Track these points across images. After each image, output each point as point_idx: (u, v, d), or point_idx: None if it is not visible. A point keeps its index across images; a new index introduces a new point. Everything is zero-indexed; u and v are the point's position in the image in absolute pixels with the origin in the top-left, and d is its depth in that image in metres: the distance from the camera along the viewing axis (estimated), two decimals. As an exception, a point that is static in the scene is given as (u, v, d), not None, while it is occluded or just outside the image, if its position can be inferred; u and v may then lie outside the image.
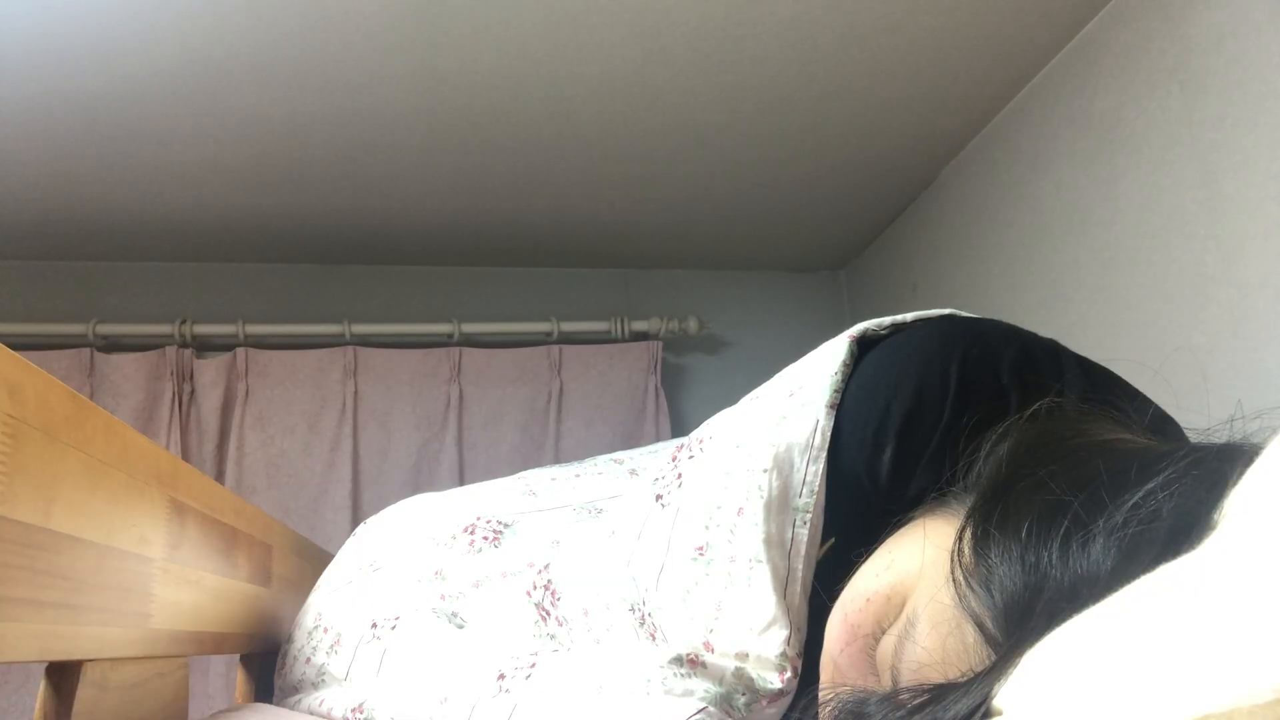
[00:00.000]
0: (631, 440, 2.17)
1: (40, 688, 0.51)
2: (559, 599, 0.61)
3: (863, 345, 0.54)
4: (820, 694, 0.44)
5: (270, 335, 2.10)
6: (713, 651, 0.50)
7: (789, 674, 0.48)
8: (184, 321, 2.06)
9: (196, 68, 1.48)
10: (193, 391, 2.05)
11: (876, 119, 1.73)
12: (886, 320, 0.54)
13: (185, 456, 2.01)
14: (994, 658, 0.35)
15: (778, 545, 0.49)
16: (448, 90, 1.57)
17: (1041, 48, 1.53)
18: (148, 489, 0.58)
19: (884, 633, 0.43)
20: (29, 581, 0.43)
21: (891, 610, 0.43)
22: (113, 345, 2.07)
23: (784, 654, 0.48)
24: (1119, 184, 1.42)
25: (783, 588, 0.49)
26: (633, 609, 0.55)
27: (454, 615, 0.69)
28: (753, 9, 1.40)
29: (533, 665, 0.57)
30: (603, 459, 0.87)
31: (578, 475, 0.82)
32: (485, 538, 0.75)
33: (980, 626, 0.37)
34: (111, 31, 1.38)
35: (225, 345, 2.10)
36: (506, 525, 0.76)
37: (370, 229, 2.08)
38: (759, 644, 0.48)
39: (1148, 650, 0.22)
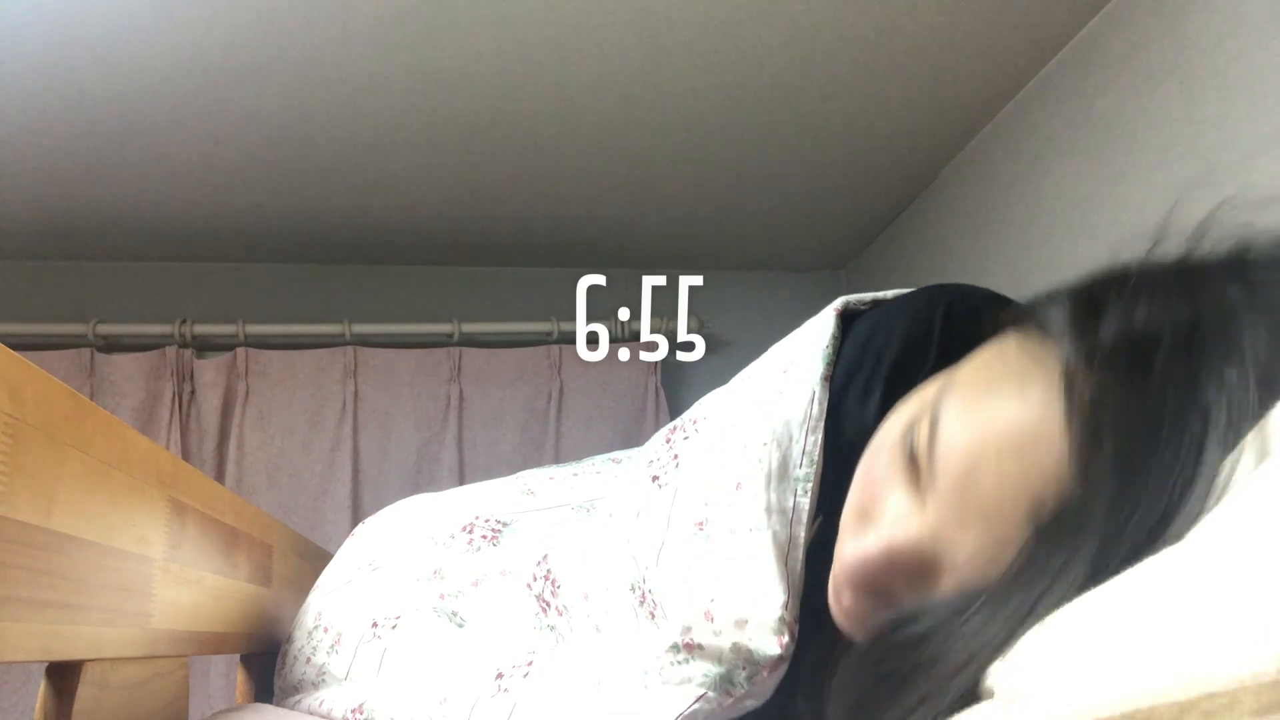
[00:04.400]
0: (631, 440, 2.17)
1: (40, 687, 0.51)
2: (559, 587, 0.62)
3: (845, 319, 0.55)
4: (843, 520, 0.44)
5: (270, 335, 2.10)
6: (712, 621, 0.50)
7: (786, 638, 0.48)
8: (184, 321, 2.06)
9: (196, 67, 1.48)
10: (193, 391, 2.05)
11: (877, 119, 1.73)
12: (868, 296, 0.56)
13: (185, 456, 2.01)
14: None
15: (779, 513, 0.50)
16: (448, 90, 1.57)
17: (1041, 48, 1.53)
18: (148, 489, 0.58)
19: (913, 430, 0.42)
20: (29, 581, 0.43)
21: (923, 410, 0.42)
22: (113, 345, 2.07)
23: (782, 618, 0.48)
24: (1119, 183, 1.42)
25: (783, 555, 0.49)
26: (633, 588, 0.55)
27: (454, 614, 0.69)
28: (752, 9, 1.40)
29: (530, 664, 0.57)
30: (600, 458, 0.87)
31: (575, 475, 0.83)
32: (484, 536, 0.75)
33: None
34: (111, 31, 1.38)
35: (225, 345, 2.10)
36: (505, 524, 0.76)
37: (370, 229, 2.08)
38: (759, 609, 0.48)
39: (1150, 627, 0.21)
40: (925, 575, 0.40)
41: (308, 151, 1.74)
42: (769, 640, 0.48)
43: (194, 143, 1.69)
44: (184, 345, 2.06)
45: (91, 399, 1.89)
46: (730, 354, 2.37)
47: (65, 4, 1.32)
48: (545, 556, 0.65)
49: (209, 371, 2.06)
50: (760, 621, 0.48)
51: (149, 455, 0.58)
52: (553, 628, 0.61)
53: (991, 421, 0.38)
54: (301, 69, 1.49)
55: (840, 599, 0.44)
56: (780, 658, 0.48)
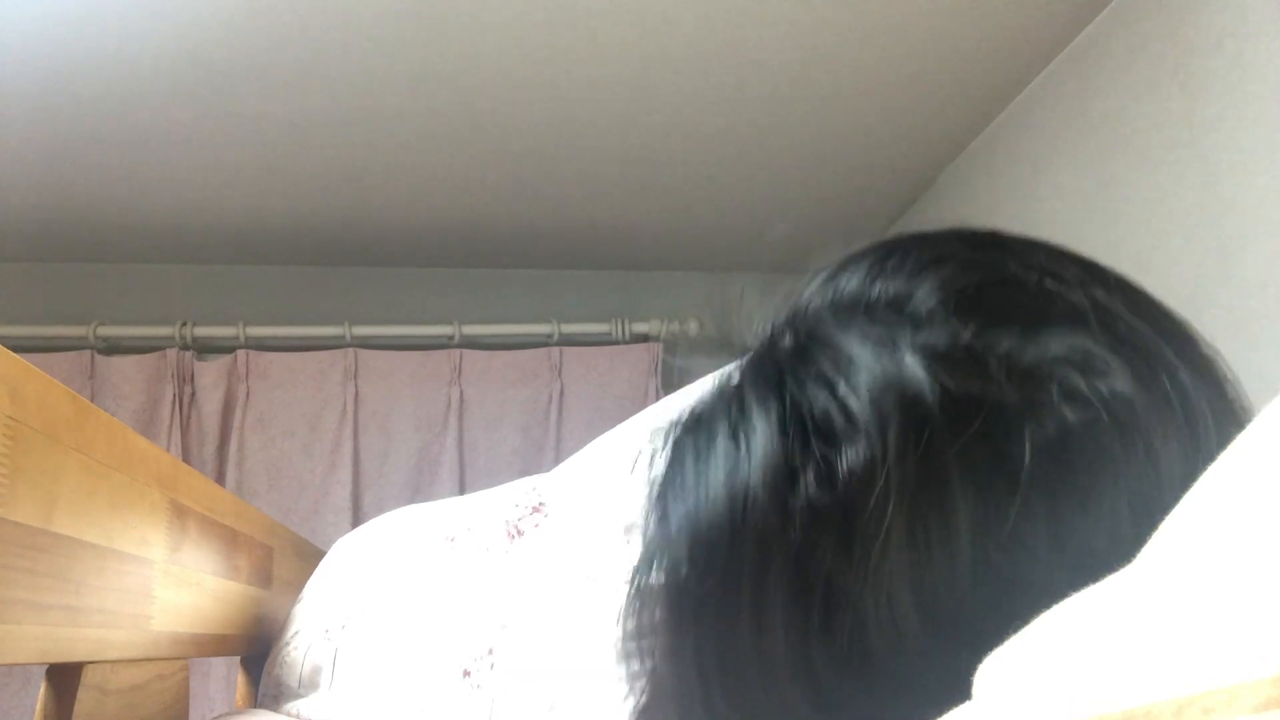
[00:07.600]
0: (632, 442, 2.16)
1: (41, 690, 0.51)
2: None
3: None
4: None
5: (271, 337, 2.10)
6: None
7: None
8: (184, 324, 2.06)
9: (197, 69, 1.48)
10: (193, 394, 2.05)
11: (876, 121, 1.73)
12: None
13: (186, 459, 2.01)
14: None
15: None
16: (448, 91, 1.57)
17: (1041, 49, 1.53)
18: (148, 491, 0.58)
19: None
20: (30, 584, 0.43)
21: None
22: (113, 348, 2.07)
23: None
24: (1119, 185, 1.42)
25: None
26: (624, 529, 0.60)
27: (428, 612, 0.69)
28: (753, 10, 1.40)
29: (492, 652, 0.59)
30: None
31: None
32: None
33: None
34: (112, 33, 1.38)
35: (226, 347, 2.10)
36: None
37: (370, 231, 2.08)
38: None
39: (1147, 624, 0.21)
40: None
41: (308, 153, 1.74)
42: None
43: (194, 145, 1.69)
44: (185, 348, 2.06)
45: (92, 401, 1.89)
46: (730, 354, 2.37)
47: (66, 5, 1.32)
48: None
49: (209, 374, 2.06)
50: None
51: (149, 457, 0.58)
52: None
53: None
54: (302, 69, 1.49)
55: None
56: None
